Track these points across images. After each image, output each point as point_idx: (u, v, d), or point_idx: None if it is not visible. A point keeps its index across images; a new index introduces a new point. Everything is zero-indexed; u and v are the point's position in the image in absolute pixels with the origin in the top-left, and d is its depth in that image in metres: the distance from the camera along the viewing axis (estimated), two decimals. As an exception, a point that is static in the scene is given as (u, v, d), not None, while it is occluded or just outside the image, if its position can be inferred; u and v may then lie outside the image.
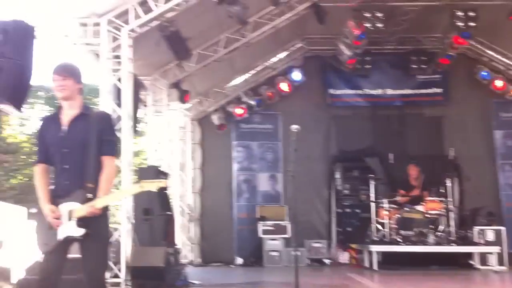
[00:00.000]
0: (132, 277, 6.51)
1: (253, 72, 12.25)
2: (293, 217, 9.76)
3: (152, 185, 3.75)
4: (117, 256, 6.87)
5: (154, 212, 7.18)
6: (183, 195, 11.61)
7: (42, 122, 4.11)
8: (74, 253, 3.74)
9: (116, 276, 6.70)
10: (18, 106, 4.90)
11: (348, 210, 12.11)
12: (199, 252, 11.69)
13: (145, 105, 10.58)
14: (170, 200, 8.67)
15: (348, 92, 12.48)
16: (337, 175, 12.31)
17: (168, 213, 7.69)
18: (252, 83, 12.27)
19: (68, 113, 3.79)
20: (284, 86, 11.98)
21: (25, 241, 3.73)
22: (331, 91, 12.44)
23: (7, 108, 4.84)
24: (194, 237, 11.70)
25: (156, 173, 8.04)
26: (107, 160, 3.77)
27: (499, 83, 12.04)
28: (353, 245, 10.89)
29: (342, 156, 12.21)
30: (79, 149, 3.72)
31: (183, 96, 10.63)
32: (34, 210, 4.02)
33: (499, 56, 12.10)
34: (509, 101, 12.16)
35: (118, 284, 6.53)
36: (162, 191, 8.16)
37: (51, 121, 3.86)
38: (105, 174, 3.72)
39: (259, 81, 12.29)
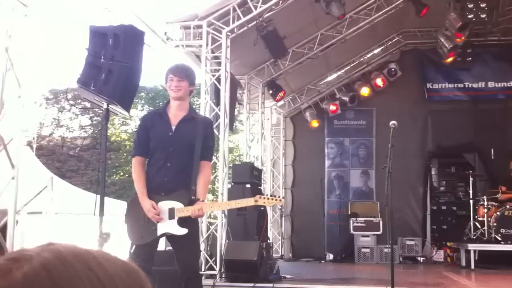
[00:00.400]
0: (226, 269, 6.80)
1: (347, 68, 12.24)
2: (389, 214, 9.70)
3: (267, 202, 3.89)
4: (212, 249, 7.25)
5: (247, 208, 7.42)
6: (275, 191, 11.93)
7: (147, 117, 4.26)
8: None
9: (212, 268, 7.07)
10: (126, 108, 5.12)
11: (443, 207, 11.75)
12: (289, 247, 11.97)
13: (240, 103, 10.98)
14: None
15: (447, 86, 12.11)
16: (433, 172, 12.02)
17: (261, 208, 7.95)
18: (346, 79, 12.25)
19: (176, 114, 3.94)
20: (379, 82, 11.86)
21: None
22: (429, 85, 12.12)
23: (116, 109, 5.08)
24: (285, 232, 11.97)
25: (250, 169, 8.36)
26: (206, 165, 3.93)
27: None
28: (449, 243, 10.55)
29: (439, 152, 11.89)
30: (184, 150, 3.85)
31: (277, 94, 10.89)
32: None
33: None
34: None
35: (213, 276, 6.86)
36: (256, 187, 8.48)
37: (159, 118, 3.98)
38: (205, 178, 3.88)
39: (353, 77, 12.24)
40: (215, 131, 7.66)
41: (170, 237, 3.89)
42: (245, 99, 10.93)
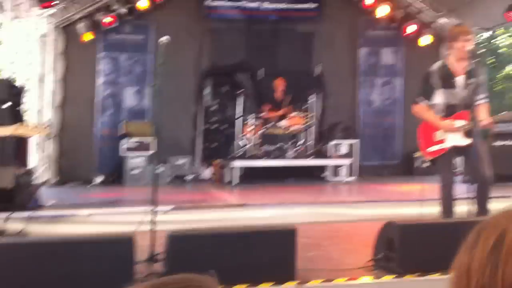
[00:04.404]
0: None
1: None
2: (158, 133, 9.71)
3: (30, 132, 3.51)
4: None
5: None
6: (41, 110, 10.93)
7: None
8: None
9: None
10: None
11: (215, 126, 12.16)
12: (56, 171, 11.19)
13: (1, 10, 9.72)
14: (24, 117, 8.16)
15: (226, 4, 12.14)
16: (207, 91, 12.27)
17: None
18: (124, -10, 11.55)
19: None
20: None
21: None
22: (208, 2, 12.02)
23: None
24: (52, 155, 11.15)
25: (7, 87, 7.55)
26: None
27: (369, 0, 12.21)
28: (216, 161, 11.06)
29: (213, 71, 12.09)
30: None
31: (45, 1, 9.82)
32: None
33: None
34: (375, 20, 12.52)
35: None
36: (14, 108, 7.73)
37: None
38: None
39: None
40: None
41: None
42: (9, 5, 9.66)
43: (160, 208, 6.05)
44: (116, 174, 10.82)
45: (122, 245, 3.77)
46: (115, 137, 11.18)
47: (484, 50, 17.44)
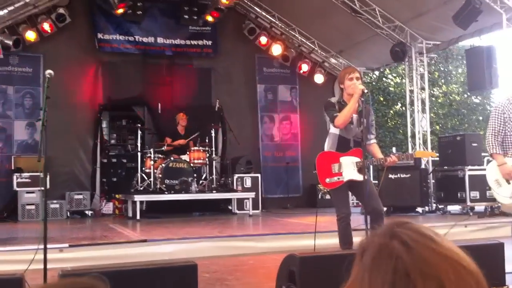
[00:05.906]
0: None
1: (11, 8, 10.95)
2: (52, 168, 9.22)
3: None
4: None
5: None
6: None
7: None
8: None
9: None
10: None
11: (114, 160, 11.78)
12: None
13: None
14: None
15: (118, 38, 11.85)
16: (104, 124, 11.88)
17: None
18: (9, 21, 10.95)
19: None
20: (46, 26, 11.00)
21: None
22: (100, 35, 11.66)
23: None
24: None
25: None
26: None
27: (263, 39, 12.71)
28: (118, 196, 10.74)
29: (110, 105, 11.71)
30: None
31: None
32: None
33: (264, 13, 12.75)
34: (271, 57, 12.94)
35: None
36: None
37: None
38: None
39: (18, 19, 11.03)
40: None
41: None
42: None
43: (54, 245, 5.72)
44: (9, 210, 10.12)
45: (10, 285, 3.44)
46: (6, 172, 10.48)
47: (371, 90, 18.51)
